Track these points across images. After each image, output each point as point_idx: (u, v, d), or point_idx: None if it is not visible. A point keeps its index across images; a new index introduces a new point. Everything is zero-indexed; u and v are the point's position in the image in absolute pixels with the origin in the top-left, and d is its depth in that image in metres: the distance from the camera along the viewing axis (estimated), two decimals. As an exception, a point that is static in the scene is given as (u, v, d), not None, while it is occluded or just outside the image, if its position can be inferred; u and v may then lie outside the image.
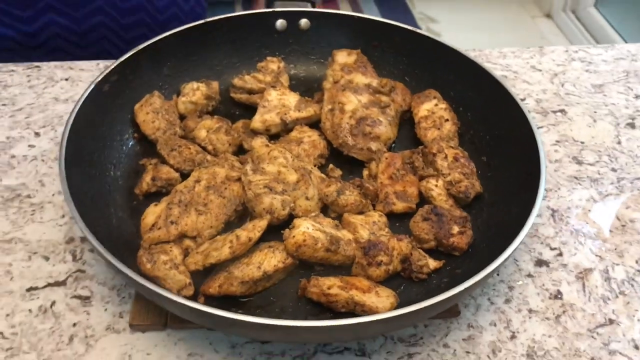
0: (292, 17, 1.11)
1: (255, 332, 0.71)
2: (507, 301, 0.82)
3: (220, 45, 1.10)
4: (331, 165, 0.94)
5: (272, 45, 1.13)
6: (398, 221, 0.88)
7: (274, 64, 1.09)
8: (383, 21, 1.10)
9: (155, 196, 0.88)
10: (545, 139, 1.06)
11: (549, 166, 1.02)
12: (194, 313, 0.66)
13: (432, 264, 0.82)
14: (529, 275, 0.85)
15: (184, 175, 0.89)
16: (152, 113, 0.97)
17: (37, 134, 1.03)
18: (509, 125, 0.93)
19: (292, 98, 1.01)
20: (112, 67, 0.94)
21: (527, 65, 1.22)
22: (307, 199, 0.84)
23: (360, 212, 0.87)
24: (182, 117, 1.01)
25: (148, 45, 1.00)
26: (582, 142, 1.06)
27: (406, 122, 1.04)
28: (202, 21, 1.06)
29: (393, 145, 0.99)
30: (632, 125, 1.10)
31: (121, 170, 0.93)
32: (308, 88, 1.11)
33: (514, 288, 0.84)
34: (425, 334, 0.78)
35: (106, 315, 0.78)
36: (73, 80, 1.14)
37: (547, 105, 1.13)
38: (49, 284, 0.81)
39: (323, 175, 0.90)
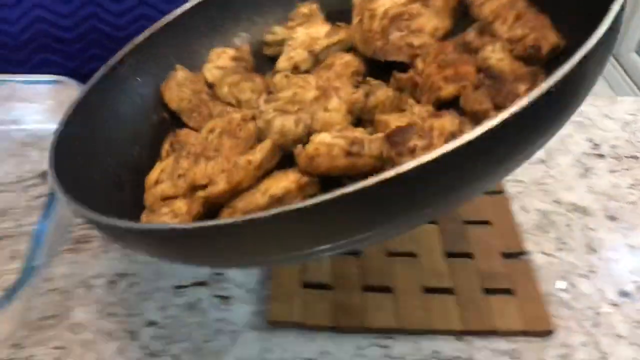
0: None
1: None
2: (596, 325, 0.92)
3: (241, 11, 0.97)
4: (368, 78, 0.81)
5: None
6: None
7: (305, 7, 0.95)
8: None
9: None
10: (621, 182, 1.17)
11: (625, 207, 1.12)
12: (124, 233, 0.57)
13: None
14: (614, 304, 0.95)
15: None
16: (175, 87, 0.89)
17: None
18: None
19: (322, 29, 0.88)
20: (127, 50, 0.85)
21: (600, 114, 1.33)
22: (326, 110, 0.68)
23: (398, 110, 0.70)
24: (211, 87, 0.92)
25: (164, 25, 0.90)
26: (655, 187, 1.17)
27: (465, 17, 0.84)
28: None
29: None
30: (700, 174, 1.20)
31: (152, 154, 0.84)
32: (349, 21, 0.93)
33: (600, 314, 0.94)
34: (523, 350, 0.88)
35: (246, 313, 0.90)
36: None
37: (621, 152, 1.24)
38: (193, 284, 0.93)
39: (355, 89, 0.76)
